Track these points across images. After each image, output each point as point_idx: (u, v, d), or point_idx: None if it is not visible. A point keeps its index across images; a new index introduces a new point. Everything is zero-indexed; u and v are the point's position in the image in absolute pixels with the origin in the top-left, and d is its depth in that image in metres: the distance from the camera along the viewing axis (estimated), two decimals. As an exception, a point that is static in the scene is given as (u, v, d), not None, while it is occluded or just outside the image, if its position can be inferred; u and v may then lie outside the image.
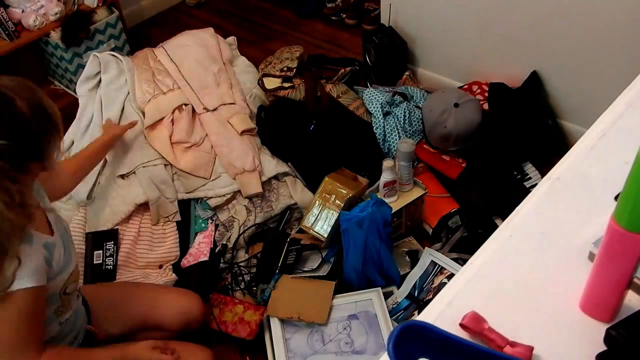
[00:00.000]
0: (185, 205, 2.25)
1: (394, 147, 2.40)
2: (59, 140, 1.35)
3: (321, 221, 2.02)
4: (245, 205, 2.23)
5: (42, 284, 1.31)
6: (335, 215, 2.01)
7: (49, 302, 1.40)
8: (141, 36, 3.39)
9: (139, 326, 1.77)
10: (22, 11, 2.72)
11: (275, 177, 2.28)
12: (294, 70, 2.71)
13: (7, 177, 1.21)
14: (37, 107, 1.27)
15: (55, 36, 2.79)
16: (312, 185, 2.24)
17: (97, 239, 2.11)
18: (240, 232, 2.16)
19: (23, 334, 1.32)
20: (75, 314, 1.55)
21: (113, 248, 2.10)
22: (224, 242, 2.16)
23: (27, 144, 1.25)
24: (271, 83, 2.70)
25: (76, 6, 2.87)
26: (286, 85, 2.68)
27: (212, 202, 2.22)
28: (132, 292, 1.83)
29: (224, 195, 2.22)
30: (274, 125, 2.44)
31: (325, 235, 2.01)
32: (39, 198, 1.46)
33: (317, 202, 2.05)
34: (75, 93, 2.98)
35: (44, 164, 1.32)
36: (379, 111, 2.44)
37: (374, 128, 2.43)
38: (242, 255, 2.18)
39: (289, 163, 2.33)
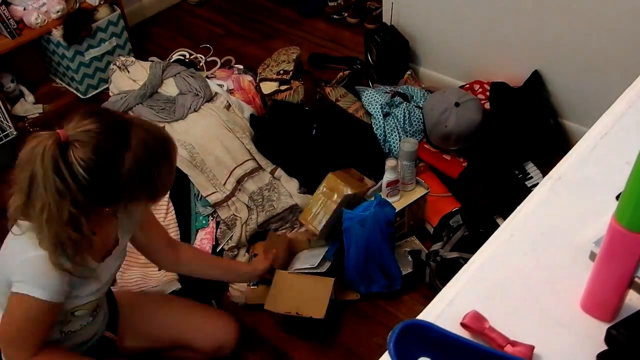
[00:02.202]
0: (185, 203, 2.25)
1: (394, 147, 2.40)
2: (148, 202, 1.35)
3: (319, 215, 2.02)
4: (245, 204, 2.23)
5: (56, 302, 1.29)
6: (332, 209, 2.00)
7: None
8: (143, 34, 3.40)
9: (167, 344, 1.73)
10: (24, 9, 2.72)
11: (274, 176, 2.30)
12: (291, 73, 2.72)
13: (82, 210, 1.19)
14: (144, 171, 1.23)
15: (57, 34, 2.79)
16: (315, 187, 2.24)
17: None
18: (243, 231, 2.17)
19: (24, 334, 1.32)
20: (85, 327, 1.49)
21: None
22: (228, 242, 2.17)
23: (109, 192, 1.22)
24: (268, 87, 2.70)
25: (78, 4, 2.87)
26: (283, 88, 2.68)
27: (212, 199, 2.22)
28: (168, 307, 1.77)
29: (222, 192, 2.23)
30: (274, 130, 2.45)
31: (320, 229, 2.00)
32: (121, 232, 1.45)
33: (318, 196, 2.05)
34: (76, 91, 3.00)
35: (119, 209, 1.31)
36: (378, 112, 2.43)
37: (374, 129, 2.43)
38: (242, 254, 2.18)
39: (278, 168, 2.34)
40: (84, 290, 1.38)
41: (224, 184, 2.26)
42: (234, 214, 2.22)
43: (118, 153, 1.19)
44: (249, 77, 2.75)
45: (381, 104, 2.45)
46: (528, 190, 2.27)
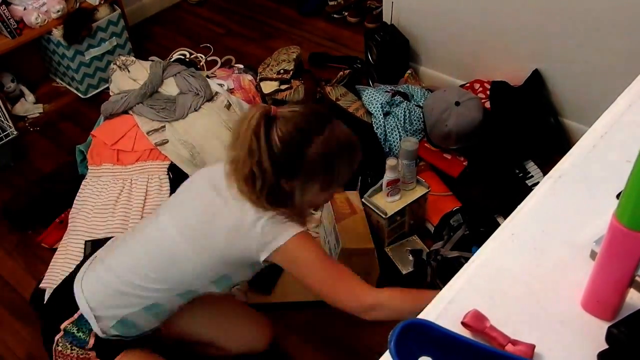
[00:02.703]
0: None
1: (394, 146, 2.40)
2: (321, 191, 1.43)
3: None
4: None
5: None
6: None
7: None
8: (143, 34, 3.40)
9: (205, 339, 1.73)
10: (24, 9, 2.72)
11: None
12: (291, 72, 2.71)
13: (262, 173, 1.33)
14: (327, 158, 1.36)
15: (57, 34, 2.79)
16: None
17: (96, 248, 2.10)
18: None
19: (336, 267, 1.42)
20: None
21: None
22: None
23: (291, 165, 1.35)
24: (268, 87, 2.70)
25: (78, 4, 2.87)
26: (283, 87, 2.68)
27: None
28: (218, 305, 1.77)
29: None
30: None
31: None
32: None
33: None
34: (77, 90, 3.00)
35: (295, 188, 1.39)
36: (379, 111, 2.43)
37: (375, 128, 2.43)
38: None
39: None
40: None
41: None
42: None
43: (311, 135, 1.34)
44: (249, 77, 2.75)
45: (381, 103, 2.45)
46: (528, 189, 2.27)
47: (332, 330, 2.00)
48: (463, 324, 0.88)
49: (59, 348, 1.48)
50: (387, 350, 0.79)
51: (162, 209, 1.56)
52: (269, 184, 1.34)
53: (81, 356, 1.48)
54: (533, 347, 0.85)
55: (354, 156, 1.44)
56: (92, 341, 1.47)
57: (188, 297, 1.51)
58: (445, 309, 0.92)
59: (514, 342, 0.85)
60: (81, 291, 1.47)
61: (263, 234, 1.36)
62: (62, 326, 1.46)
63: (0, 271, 2.26)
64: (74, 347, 1.47)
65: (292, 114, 1.34)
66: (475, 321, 0.87)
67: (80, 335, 1.46)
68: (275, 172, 1.34)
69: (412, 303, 1.31)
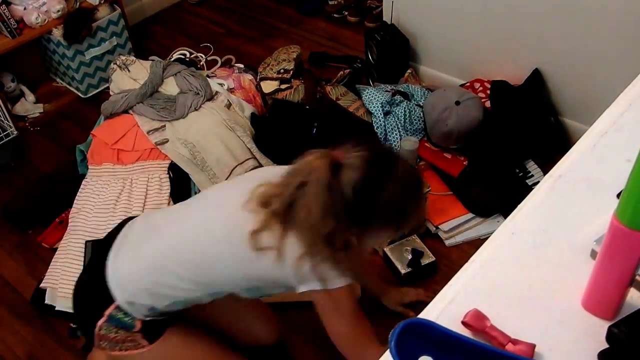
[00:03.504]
0: (185, 196, 2.25)
1: (395, 146, 2.40)
2: (393, 233, 1.47)
3: None
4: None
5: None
6: None
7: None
8: (143, 34, 3.40)
9: (217, 326, 1.74)
10: (24, 8, 2.72)
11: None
12: (291, 72, 2.72)
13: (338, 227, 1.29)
14: (401, 202, 1.33)
15: (57, 33, 2.79)
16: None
17: (96, 249, 2.10)
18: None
19: (361, 324, 1.46)
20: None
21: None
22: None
23: (366, 213, 1.30)
24: (269, 86, 2.70)
25: (78, 3, 2.87)
26: (283, 87, 2.68)
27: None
28: (232, 302, 1.74)
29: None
30: (274, 129, 2.45)
31: None
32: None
33: None
34: (77, 90, 3.00)
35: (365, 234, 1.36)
36: (379, 111, 2.43)
37: (375, 128, 2.43)
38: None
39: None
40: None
41: (225, 183, 2.27)
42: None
43: (382, 182, 1.29)
44: (249, 76, 2.75)
45: (382, 103, 2.45)
46: (529, 189, 2.26)
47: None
48: (463, 323, 0.88)
49: (102, 332, 1.46)
50: (388, 350, 0.79)
51: (211, 200, 1.52)
52: (334, 232, 1.29)
53: (128, 338, 1.47)
54: (533, 346, 0.85)
55: (421, 193, 1.45)
56: (139, 325, 1.45)
57: (217, 296, 1.51)
58: (445, 308, 0.92)
59: (515, 342, 0.85)
60: (116, 279, 1.44)
61: (311, 271, 1.33)
62: (107, 312, 1.44)
63: (1, 271, 2.26)
64: (119, 330, 1.45)
65: (358, 159, 1.28)
66: (476, 320, 0.87)
67: (127, 320, 1.44)
68: (349, 220, 1.30)
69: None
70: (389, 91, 2.56)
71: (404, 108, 2.47)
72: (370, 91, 2.53)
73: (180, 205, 1.62)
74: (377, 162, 1.30)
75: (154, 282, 1.42)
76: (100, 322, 1.44)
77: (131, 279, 1.44)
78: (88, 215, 2.20)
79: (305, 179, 1.26)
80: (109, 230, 2.05)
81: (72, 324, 2.02)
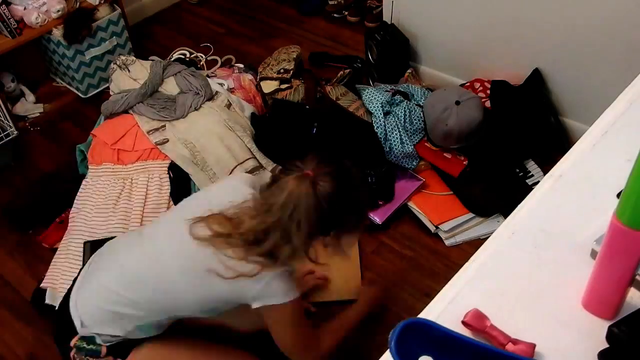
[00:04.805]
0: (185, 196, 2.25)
1: (395, 146, 2.39)
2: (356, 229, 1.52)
3: None
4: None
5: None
6: None
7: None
8: (143, 33, 3.40)
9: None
10: (24, 8, 2.72)
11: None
12: (291, 72, 2.72)
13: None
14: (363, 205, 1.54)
15: (57, 33, 2.79)
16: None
17: (96, 248, 2.09)
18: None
19: (307, 332, 1.55)
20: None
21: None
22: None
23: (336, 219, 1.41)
24: (269, 86, 2.70)
25: (78, 3, 2.87)
26: (283, 87, 2.68)
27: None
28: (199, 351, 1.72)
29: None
30: (274, 128, 2.45)
31: None
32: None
33: None
34: (77, 90, 3.00)
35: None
36: (379, 111, 2.43)
37: (375, 128, 2.42)
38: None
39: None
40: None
41: (225, 183, 2.26)
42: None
43: (350, 189, 1.42)
44: (249, 76, 2.75)
45: (382, 103, 2.45)
46: (529, 189, 2.27)
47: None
48: (464, 323, 0.88)
49: (76, 358, 1.51)
50: (388, 350, 0.79)
51: (162, 230, 1.55)
52: (297, 243, 1.37)
53: None
54: (533, 346, 0.85)
55: (366, 191, 1.59)
56: (104, 350, 1.50)
57: (175, 319, 1.55)
58: (445, 308, 0.92)
59: (515, 342, 0.85)
60: (76, 310, 1.50)
61: (267, 286, 1.39)
62: (72, 344, 1.49)
63: (1, 271, 2.26)
64: (89, 358, 1.51)
65: (327, 175, 1.38)
66: (476, 320, 0.88)
67: (92, 348, 1.50)
68: (325, 232, 1.41)
69: (340, 334, 1.67)
70: (389, 91, 2.56)
71: (404, 108, 2.46)
72: (370, 91, 2.53)
73: (136, 233, 1.67)
74: (342, 174, 1.42)
75: (113, 312, 1.47)
76: (72, 352, 1.50)
77: (92, 312, 1.49)
78: (88, 215, 2.20)
79: (294, 204, 1.34)
80: (109, 230, 2.06)
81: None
